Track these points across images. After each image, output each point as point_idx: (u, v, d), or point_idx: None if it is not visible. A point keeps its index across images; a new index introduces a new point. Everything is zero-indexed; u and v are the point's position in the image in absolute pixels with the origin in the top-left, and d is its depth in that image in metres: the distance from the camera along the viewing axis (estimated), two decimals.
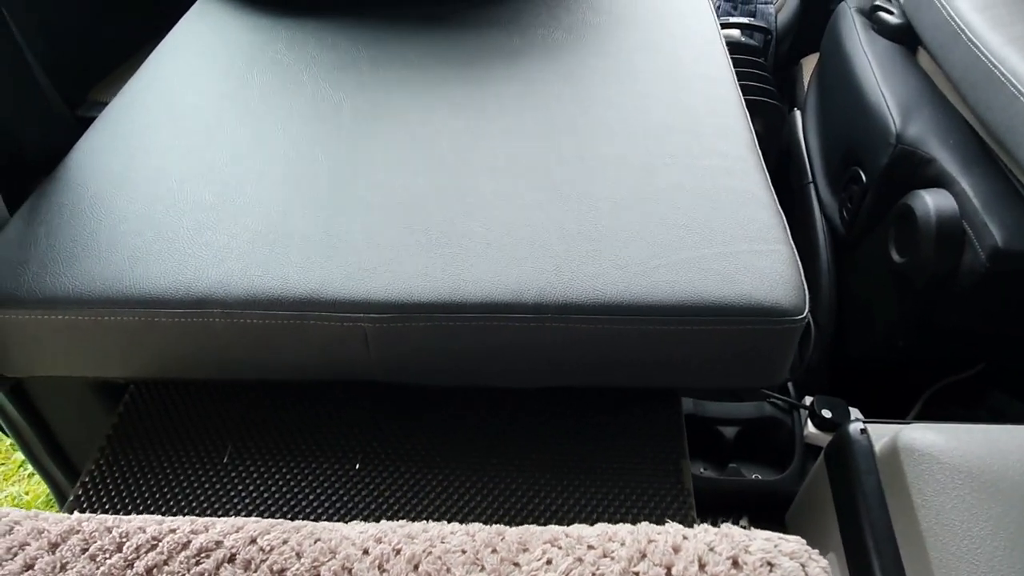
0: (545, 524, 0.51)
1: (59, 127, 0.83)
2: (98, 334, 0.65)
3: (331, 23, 0.96)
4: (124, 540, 0.49)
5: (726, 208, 0.68)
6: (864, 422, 0.65)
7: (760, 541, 0.48)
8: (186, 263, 0.64)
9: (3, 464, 1.23)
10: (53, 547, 0.49)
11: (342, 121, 0.79)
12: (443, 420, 0.74)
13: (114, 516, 0.51)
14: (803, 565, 0.46)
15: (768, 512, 0.83)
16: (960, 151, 0.81)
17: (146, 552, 0.48)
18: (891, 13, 1.02)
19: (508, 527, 0.50)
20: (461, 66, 0.88)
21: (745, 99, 0.85)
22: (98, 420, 0.80)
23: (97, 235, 0.67)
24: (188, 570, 0.47)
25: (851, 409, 0.87)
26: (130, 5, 1.12)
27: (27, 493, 1.19)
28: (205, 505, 0.68)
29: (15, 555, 0.48)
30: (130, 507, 0.68)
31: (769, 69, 1.30)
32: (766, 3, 1.42)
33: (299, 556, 0.48)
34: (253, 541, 0.49)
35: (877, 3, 1.05)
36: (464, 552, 0.48)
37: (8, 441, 1.09)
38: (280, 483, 0.69)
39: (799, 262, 0.65)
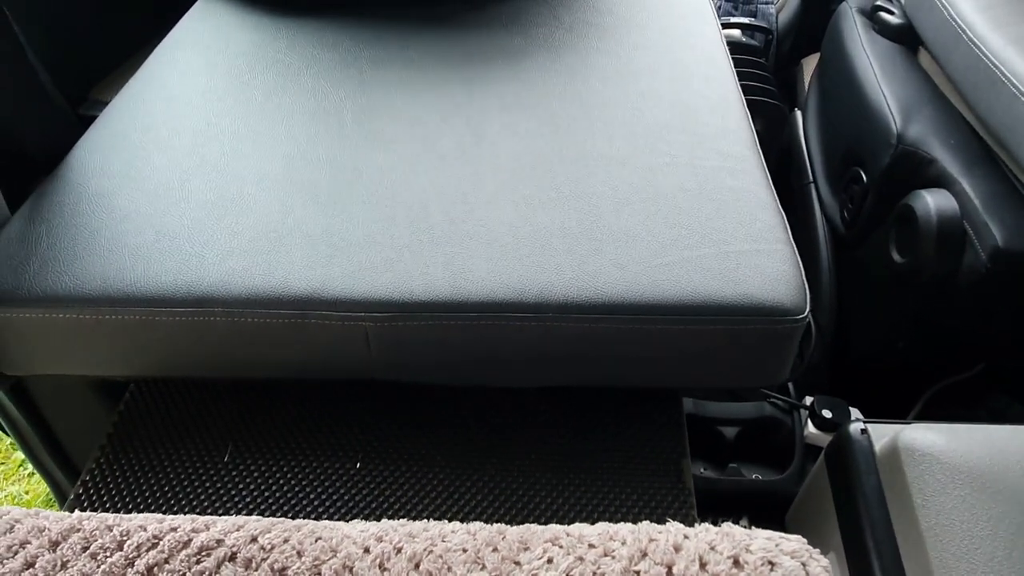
0: (546, 523, 0.52)
1: (60, 126, 0.83)
2: (99, 333, 0.65)
3: (332, 22, 0.96)
4: (125, 538, 0.49)
5: (727, 208, 0.68)
6: (864, 422, 0.65)
7: (761, 540, 0.48)
8: (187, 262, 0.64)
9: (3, 463, 1.23)
10: (54, 545, 0.49)
11: (343, 120, 0.79)
12: (444, 419, 0.74)
13: (115, 514, 0.51)
14: (804, 564, 0.46)
15: (768, 512, 0.83)
16: (961, 151, 0.81)
17: (147, 550, 0.48)
18: (892, 13, 1.02)
19: (509, 526, 0.50)
20: (462, 65, 0.88)
21: (746, 99, 0.85)
22: (99, 419, 0.80)
23: (98, 234, 0.67)
24: (189, 568, 0.47)
25: (851, 409, 0.87)
26: (132, 4, 1.12)
27: (27, 492, 1.19)
28: (206, 504, 0.68)
29: (16, 553, 0.48)
30: (131, 506, 0.68)
31: (770, 69, 1.30)
32: (767, 3, 1.42)
33: (300, 555, 0.48)
34: (254, 540, 0.49)
35: (878, 3, 1.05)
36: (465, 551, 0.48)
37: (8, 440, 1.09)
38: (281, 482, 0.69)
39: (800, 262, 0.65)
